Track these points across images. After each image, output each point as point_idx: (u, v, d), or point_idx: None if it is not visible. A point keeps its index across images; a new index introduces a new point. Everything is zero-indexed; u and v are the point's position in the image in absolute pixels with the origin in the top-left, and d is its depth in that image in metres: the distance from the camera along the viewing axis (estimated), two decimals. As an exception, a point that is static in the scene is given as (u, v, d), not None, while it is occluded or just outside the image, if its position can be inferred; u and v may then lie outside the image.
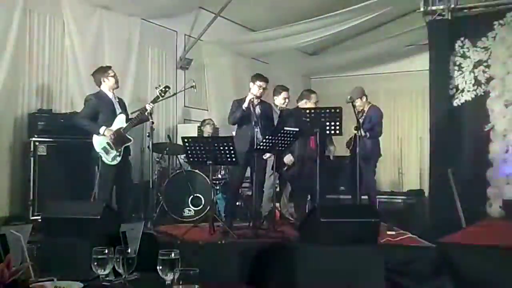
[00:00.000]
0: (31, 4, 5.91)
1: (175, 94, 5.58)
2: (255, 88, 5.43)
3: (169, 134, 7.05)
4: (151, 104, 5.36)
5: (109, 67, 5.50)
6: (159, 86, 5.57)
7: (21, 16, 5.73)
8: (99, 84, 5.38)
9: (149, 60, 7.57)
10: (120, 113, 5.34)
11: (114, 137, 5.17)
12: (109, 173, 5.20)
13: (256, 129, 5.23)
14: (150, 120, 5.39)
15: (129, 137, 5.32)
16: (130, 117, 5.34)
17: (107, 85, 5.33)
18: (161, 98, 5.50)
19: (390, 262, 4.02)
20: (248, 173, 5.68)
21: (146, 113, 5.31)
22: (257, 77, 5.51)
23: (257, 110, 5.38)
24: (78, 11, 6.39)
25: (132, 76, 7.04)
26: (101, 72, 5.40)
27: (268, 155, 5.44)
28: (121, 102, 5.48)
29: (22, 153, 5.67)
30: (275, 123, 5.71)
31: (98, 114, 5.25)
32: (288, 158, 5.93)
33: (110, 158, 5.19)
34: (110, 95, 5.35)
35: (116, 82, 5.39)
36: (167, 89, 5.49)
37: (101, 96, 5.33)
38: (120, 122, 5.30)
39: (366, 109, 6.42)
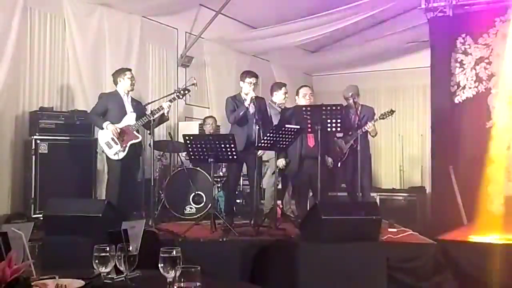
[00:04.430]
0: (31, 3, 5.90)
1: (174, 92, 5.59)
2: (246, 86, 5.40)
3: (170, 131, 7.05)
4: (168, 103, 5.45)
5: (128, 70, 5.63)
6: (179, 88, 5.73)
7: (22, 14, 5.72)
8: (116, 83, 5.52)
9: (149, 58, 7.55)
10: (131, 112, 5.44)
11: (118, 133, 5.28)
12: (114, 168, 5.36)
13: (254, 127, 5.22)
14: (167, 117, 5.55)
15: (137, 134, 5.42)
16: (150, 118, 5.34)
17: (121, 86, 5.48)
18: (177, 99, 5.62)
19: (392, 259, 4.03)
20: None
21: (164, 113, 5.41)
22: (246, 74, 5.47)
23: (251, 107, 5.36)
24: (78, 9, 6.39)
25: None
26: (119, 72, 5.55)
27: (261, 152, 5.44)
28: (135, 103, 5.57)
29: (23, 151, 5.68)
30: (271, 117, 5.69)
31: (107, 111, 5.40)
32: (281, 162, 5.88)
33: (113, 153, 5.30)
34: (122, 95, 5.47)
35: (131, 85, 5.52)
36: (186, 91, 5.59)
37: (113, 95, 5.51)
38: (128, 119, 5.41)
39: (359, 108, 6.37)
